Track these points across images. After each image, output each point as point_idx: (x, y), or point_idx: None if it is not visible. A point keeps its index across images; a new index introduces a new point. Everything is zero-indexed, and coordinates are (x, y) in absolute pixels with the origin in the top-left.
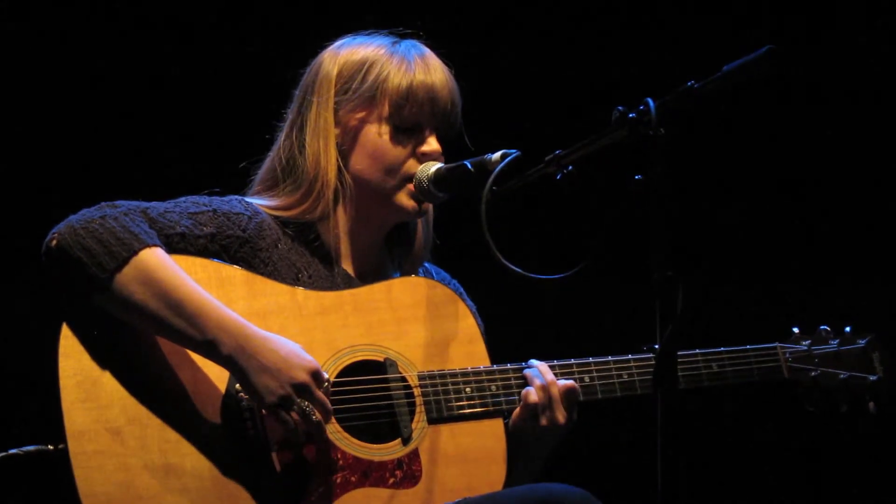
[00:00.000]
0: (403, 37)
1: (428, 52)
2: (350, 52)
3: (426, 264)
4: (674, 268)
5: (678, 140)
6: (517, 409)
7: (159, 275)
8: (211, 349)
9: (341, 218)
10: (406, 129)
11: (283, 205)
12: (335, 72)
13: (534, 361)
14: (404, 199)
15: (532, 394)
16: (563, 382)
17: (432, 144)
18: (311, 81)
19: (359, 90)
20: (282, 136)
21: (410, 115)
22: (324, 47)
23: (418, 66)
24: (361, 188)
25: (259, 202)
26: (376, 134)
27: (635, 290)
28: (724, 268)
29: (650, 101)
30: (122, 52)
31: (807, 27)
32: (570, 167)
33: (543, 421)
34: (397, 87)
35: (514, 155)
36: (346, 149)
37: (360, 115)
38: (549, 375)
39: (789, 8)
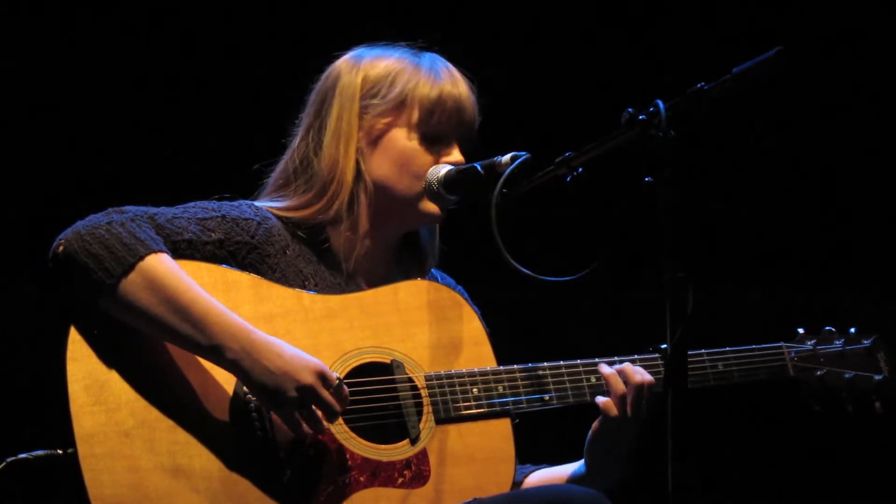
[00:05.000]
0: (422, 49)
1: (450, 64)
2: (374, 59)
3: (432, 269)
4: (683, 269)
5: (687, 142)
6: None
7: (164, 280)
8: (216, 354)
9: (355, 222)
10: (430, 138)
11: (294, 205)
12: (359, 78)
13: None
14: (429, 204)
15: (613, 407)
16: (645, 376)
17: (456, 156)
18: (331, 86)
19: (387, 96)
20: (296, 140)
21: (438, 124)
22: (335, 56)
23: (446, 77)
24: (382, 193)
25: (270, 205)
26: (404, 140)
27: (642, 291)
28: (731, 269)
29: (660, 102)
30: (130, 56)
31: (815, 28)
32: (580, 169)
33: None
34: (427, 95)
35: (523, 157)
36: (367, 153)
37: (387, 120)
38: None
39: (796, 10)
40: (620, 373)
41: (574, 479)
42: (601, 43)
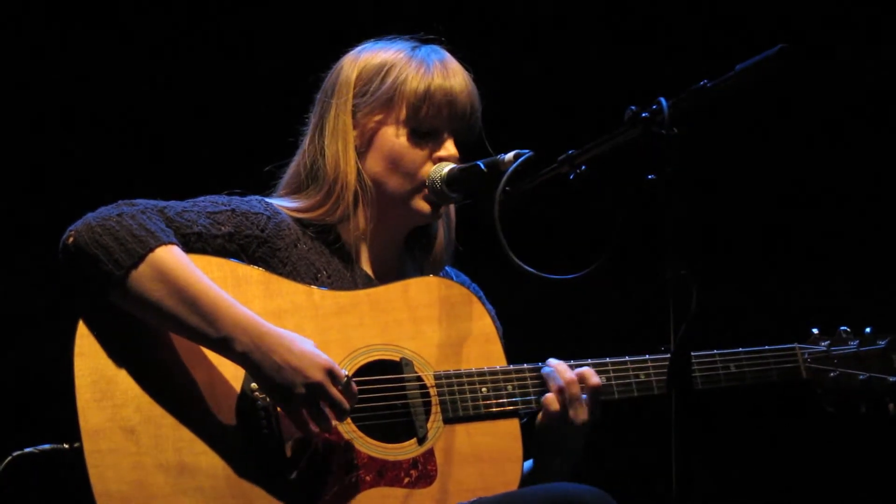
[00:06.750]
0: (424, 42)
1: (448, 56)
2: (370, 55)
3: (447, 267)
4: (687, 267)
5: (691, 139)
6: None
7: (175, 272)
8: (225, 347)
9: (361, 220)
10: (424, 133)
11: (305, 206)
12: (354, 75)
13: (552, 361)
14: (420, 202)
15: (553, 401)
16: (592, 379)
17: (449, 149)
18: (331, 85)
19: (377, 93)
20: (306, 140)
21: (428, 118)
22: (345, 52)
23: (437, 70)
24: (379, 190)
25: (281, 203)
26: (393, 137)
27: (651, 290)
28: (738, 268)
29: (663, 100)
30: (143, 52)
31: (818, 27)
32: (583, 167)
33: (567, 419)
34: (415, 90)
35: (527, 155)
36: (363, 151)
37: (378, 117)
38: (568, 374)
39: (800, 8)
40: (579, 375)
41: (525, 475)
42: (604, 40)
